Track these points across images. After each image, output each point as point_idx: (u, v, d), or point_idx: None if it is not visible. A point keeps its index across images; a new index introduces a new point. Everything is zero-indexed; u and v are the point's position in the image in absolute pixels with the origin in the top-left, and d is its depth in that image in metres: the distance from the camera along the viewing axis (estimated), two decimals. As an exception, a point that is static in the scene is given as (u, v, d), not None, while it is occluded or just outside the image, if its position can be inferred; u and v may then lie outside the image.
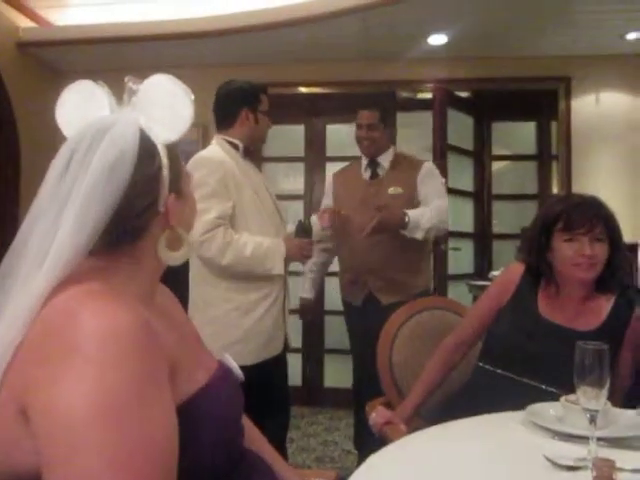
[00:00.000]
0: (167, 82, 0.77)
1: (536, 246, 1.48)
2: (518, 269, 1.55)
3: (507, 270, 1.61)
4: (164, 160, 0.74)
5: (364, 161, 2.50)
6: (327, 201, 2.59)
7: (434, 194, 2.36)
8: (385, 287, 2.34)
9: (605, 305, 1.44)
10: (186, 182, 0.81)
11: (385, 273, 2.34)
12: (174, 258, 0.77)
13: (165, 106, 0.76)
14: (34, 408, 0.58)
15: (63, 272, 0.65)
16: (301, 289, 2.63)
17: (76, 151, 0.69)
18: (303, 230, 1.99)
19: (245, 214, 1.89)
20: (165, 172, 0.74)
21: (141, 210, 0.72)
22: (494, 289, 1.60)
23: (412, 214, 2.23)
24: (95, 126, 0.72)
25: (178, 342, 0.77)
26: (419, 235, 2.24)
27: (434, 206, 2.30)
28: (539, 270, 1.49)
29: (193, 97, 0.78)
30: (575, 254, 1.39)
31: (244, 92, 2.01)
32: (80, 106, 0.77)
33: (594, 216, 1.39)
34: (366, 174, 2.48)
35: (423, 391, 1.55)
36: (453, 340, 1.60)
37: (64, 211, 0.66)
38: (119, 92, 0.79)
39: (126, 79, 0.78)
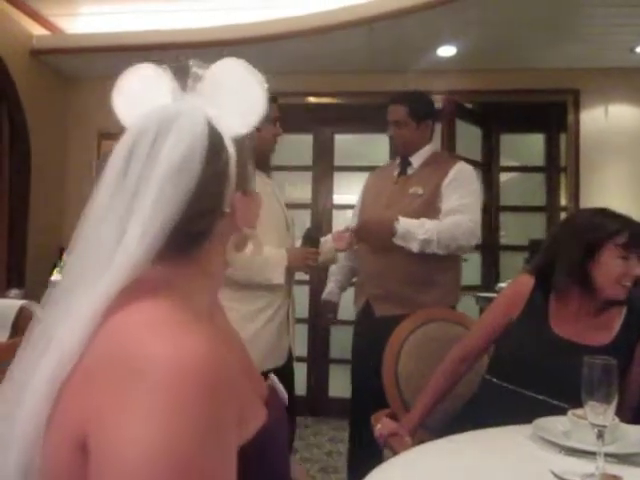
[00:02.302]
0: (238, 67, 0.70)
1: (577, 256, 1.42)
2: (528, 282, 1.52)
3: (516, 282, 1.58)
4: (232, 156, 0.66)
5: (397, 159, 2.33)
6: (357, 202, 2.46)
7: (453, 208, 2.09)
8: (381, 297, 2.16)
9: (617, 318, 1.43)
10: (252, 179, 0.73)
11: (384, 282, 2.15)
12: (240, 260, 0.72)
13: (236, 95, 0.68)
14: (93, 442, 0.53)
15: (129, 278, 0.59)
16: (325, 290, 2.43)
17: (137, 146, 0.62)
18: (310, 239, 1.99)
19: None
20: (233, 169, 0.67)
21: (206, 211, 0.65)
22: (503, 301, 1.58)
23: (404, 222, 2.03)
24: (157, 117, 0.64)
25: (240, 367, 0.70)
26: (414, 247, 2.01)
27: (445, 222, 2.06)
28: (554, 283, 1.46)
29: (266, 86, 0.70)
30: (625, 273, 1.38)
31: None
32: (140, 93, 0.70)
33: None
34: (395, 173, 2.30)
35: (429, 402, 1.54)
36: (459, 351, 1.58)
37: (131, 213, 0.60)
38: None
39: (190, 62, 0.70)
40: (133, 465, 0.50)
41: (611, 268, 1.39)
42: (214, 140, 0.65)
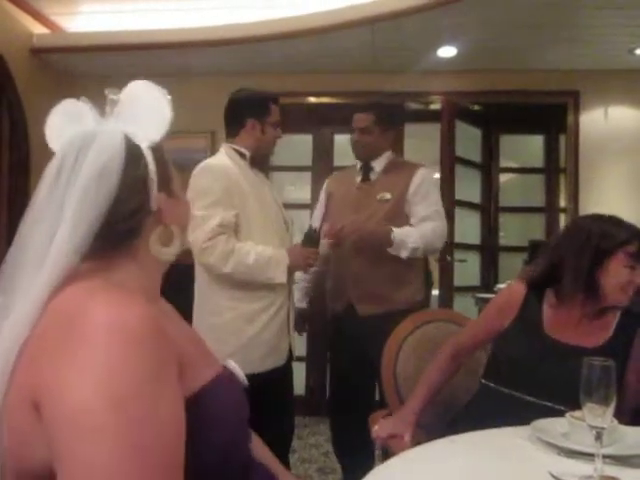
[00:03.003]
0: (144, 88, 0.80)
1: (586, 262, 1.41)
2: (520, 289, 1.53)
3: (509, 290, 1.58)
4: (150, 162, 0.77)
5: (357, 165, 2.41)
6: (319, 206, 2.52)
7: (425, 215, 2.24)
8: (364, 297, 2.24)
9: (611, 319, 1.44)
10: (176, 182, 0.84)
11: (364, 283, 2.24)
12: (165, 253, 0.80)
13: (145, 110, 0.79)
14: (46, 401, 0.59)
15: (62, 274, 0.68)
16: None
17: (65, 161, 0.73)
18: (311, 238, 2.00)
19: (249, 223, 1.89)
20: (153, 173, 0.77)
21: (132, 211, 0.74)
22: (494, 308, 1.58)
23: (398, 232, 2.16)
24: (81, 137, 0.75)
25: (183, 339, 0.78)
26: (404, 254, 2.16)
27: (425, 229, 2.20)
28: (560, 288, 1.46)
29: (170, 97, 0.81)
30: (630, 282, 1.39)
31: (252, 101, 2.01)
32: (67, 126, 0.80)
33: None
34: (358, 178, 2.39)
35: (424, 394, 1.53)
36: (451, 348, 1.59)
37: (59, 217, 0.69)
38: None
39: (106, 91, 0.81)
40: (80, 409, 0.57)
41: (618, 276, 1.40)
42: (132, 150, 0.75)
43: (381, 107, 2.37)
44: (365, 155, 2.36)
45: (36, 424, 0.60)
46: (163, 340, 0.64)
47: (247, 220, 1.89)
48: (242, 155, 1.98)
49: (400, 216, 2.25)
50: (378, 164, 2.35)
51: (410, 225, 2.24)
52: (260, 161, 2.05)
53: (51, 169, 0.74)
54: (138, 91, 0.80)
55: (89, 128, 0.78)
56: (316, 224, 2.33)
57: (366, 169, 2.37)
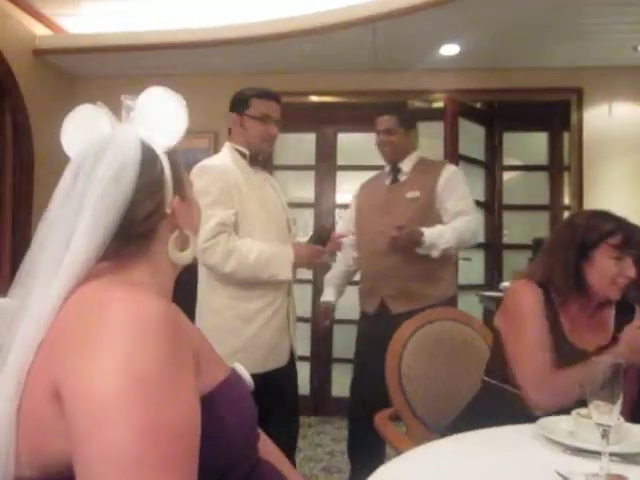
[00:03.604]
0: (160, 94, 0.83)
1: (572, 256, 1.40)
2: (536, 292, 1.42)
3: (529, 294, 1.43)
4: (166, 165, 0.79)
5: (386, 168, 2.47)
6: (349, 211, 2.58)
7: (457, 210, 2.29)
8: (397, 296, 2.29)
9: (608, 315, 1.44)
10: (189, 187, 0.86)
11: (398, 281, 2.29)
12: (182, 257, 0.82)
13: (161, 116, 0.81)
14: (67, 387, 0.61)
15: (79, 274, 0.70)
16: (323, 294, 2.59)
17: (82, 165, 0.74)
18: (319, 236, 2.00)
19: (248, 223, 1.88)
20: (168, 176, 0.79)
21: (148, 213, 0.76)
22: (533, 313, 1.41)
23: (429, 234, 2.19)
24: (97, 142, 0.77)
25: (196, 339, 0.79)
26: (435, 254, 2.21)
27: (456, 226, 2.25)
28: (555, 285, 1.45)
29: (185, 104, 0.83)
30: (618, 274, 1.37)
31: (234, 97, 2.03)
32: (83, 131, 0.82)
33: None
34: (387, 180, 2.45)
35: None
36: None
37: (77, 219, 0.71)
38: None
39: (122, 97, 0.83)
40: (99, 390, 0.58)
41: (605, 269, 1.38)
42: (147, 154, 0.77)
43: (402, 108, 2.47)
44: (393, 156, 2.41)
45: (55, 413, 0.61)
46: (180, 331, 0.66)
47: (247, 219, 1.88)
48: (242, 154, 1.98)
49: (431, 213, 2.29)
50: (406, 165, 2.40)
51: (442, 223, 2.28)
52: (261, 159, 2.04)
53: (68, 172, 0.76)
54: (155, 97, 0.82)
55: (105, 133, 0.80)
56: (342, 227, 2.38)
57: (395, 171, 2.43)
